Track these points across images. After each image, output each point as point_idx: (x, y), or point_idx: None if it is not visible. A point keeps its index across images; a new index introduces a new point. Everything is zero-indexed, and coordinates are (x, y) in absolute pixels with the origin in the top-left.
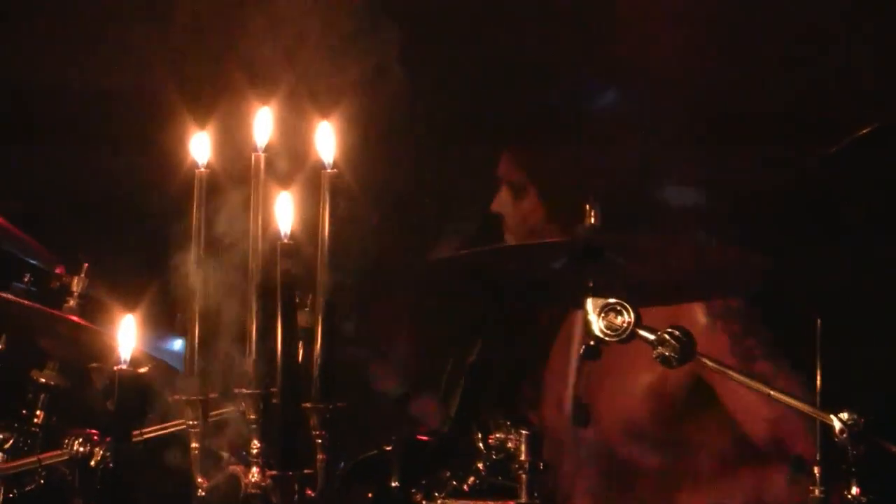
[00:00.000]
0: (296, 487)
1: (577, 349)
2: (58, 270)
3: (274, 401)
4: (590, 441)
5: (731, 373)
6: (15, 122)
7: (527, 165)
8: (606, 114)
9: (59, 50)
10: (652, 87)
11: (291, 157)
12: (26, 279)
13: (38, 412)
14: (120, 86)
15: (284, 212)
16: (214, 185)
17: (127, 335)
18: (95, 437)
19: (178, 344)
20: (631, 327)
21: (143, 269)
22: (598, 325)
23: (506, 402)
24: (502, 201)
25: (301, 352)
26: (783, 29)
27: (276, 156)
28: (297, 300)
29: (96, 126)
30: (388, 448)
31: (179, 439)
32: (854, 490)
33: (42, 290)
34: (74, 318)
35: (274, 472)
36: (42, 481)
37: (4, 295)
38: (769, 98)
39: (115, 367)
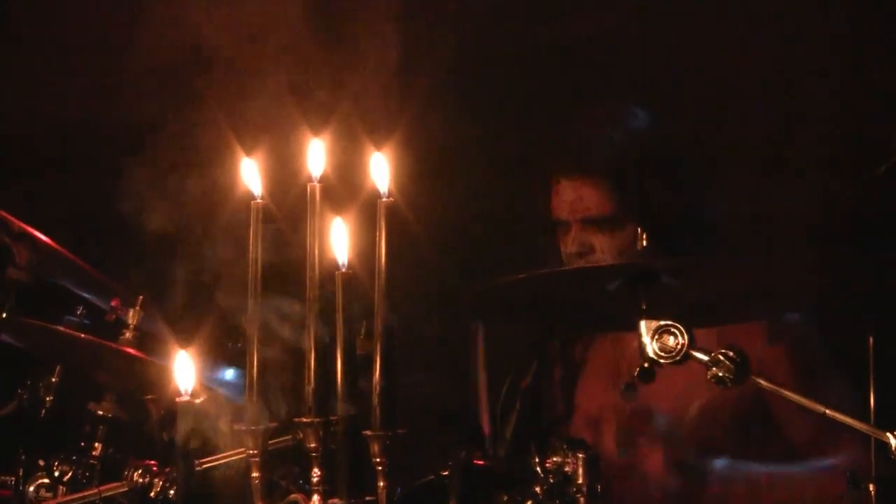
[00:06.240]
0: None
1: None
2: (113, 303)
3: (333, 429)
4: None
5: (785, 392)
6: (71, 153)
7: (621, 199)
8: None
9: (111, 82)
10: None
11: (346, 186)
12: (79, 312)
13: (95, 444)
14: (175, 117)
15: (341, 241)
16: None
17: (185, 366)
18: (155, 468)
19: (230, 374)
20: (685, 349)
21: (196, 299)
22: (651, 347)
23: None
24: (583, 239)
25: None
26: (830, 48)
27: (331, 185)
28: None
29: (150, 157)
30: (445, 473)
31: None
32: None
33: (97, 322)
34: (130, 351)
35: (336, 501)
36: None
37: (60, 328)
38: (821, 119)
39: (176, 399)
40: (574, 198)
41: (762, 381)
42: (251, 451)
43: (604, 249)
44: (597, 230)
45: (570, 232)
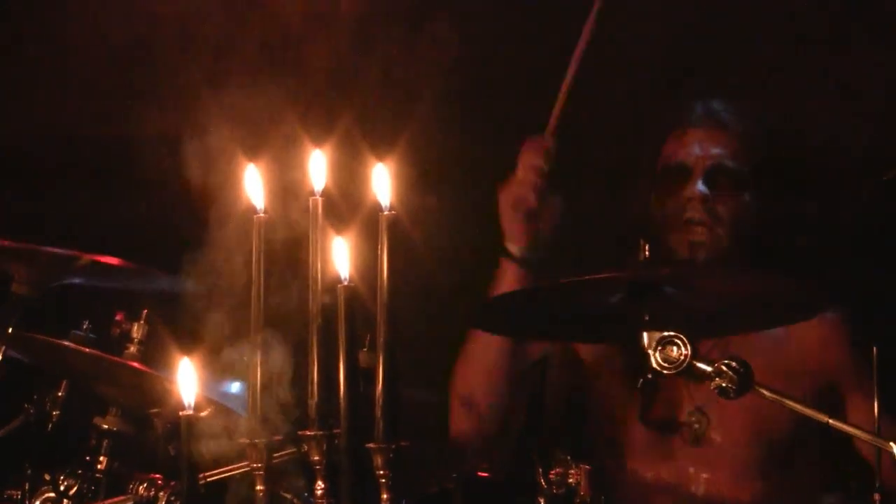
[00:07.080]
0: None
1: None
2: (117, 317)
3: (337, 442)
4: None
5: (787, 401)
6: (74, 167)
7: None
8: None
9: (114, 96)
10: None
11: (347, 200)
12: (85, 326)
13: (101, 458)
14: (177, 131)
15: (343, 254)
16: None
17: (188, 379)
18: (160, 482)
19: (235, 386)
20: (688, 360)
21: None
22: (654, 358)
23: (565, 437)
24: (708, 206)
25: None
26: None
27: (334, 199)
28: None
29: (154, 170)
30: (450, 485)
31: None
32: None
33: (103, 336)
34: (135, 365)
35: None
36: None
37: (65, 343)
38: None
39: (180, 412)
40: (704, 138)
41: (765, 392)
42: (255, 465)
43: (724, 223)
44: (724, 192)
45: (689, 182)
